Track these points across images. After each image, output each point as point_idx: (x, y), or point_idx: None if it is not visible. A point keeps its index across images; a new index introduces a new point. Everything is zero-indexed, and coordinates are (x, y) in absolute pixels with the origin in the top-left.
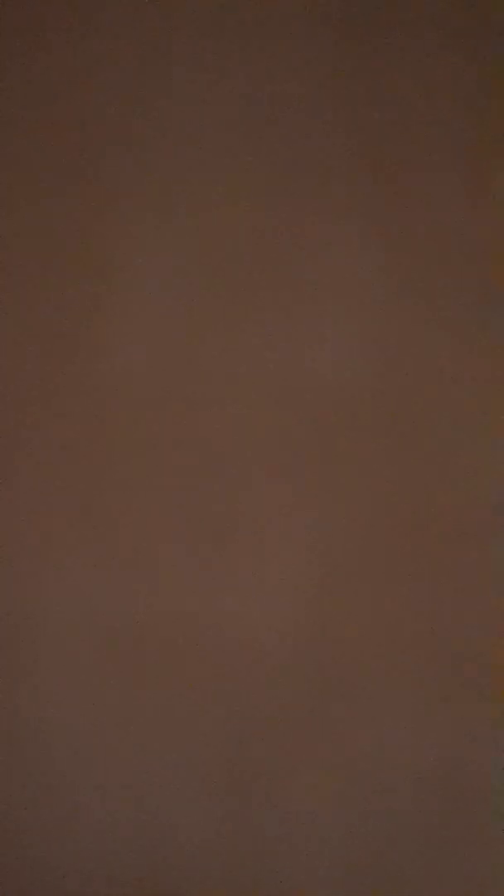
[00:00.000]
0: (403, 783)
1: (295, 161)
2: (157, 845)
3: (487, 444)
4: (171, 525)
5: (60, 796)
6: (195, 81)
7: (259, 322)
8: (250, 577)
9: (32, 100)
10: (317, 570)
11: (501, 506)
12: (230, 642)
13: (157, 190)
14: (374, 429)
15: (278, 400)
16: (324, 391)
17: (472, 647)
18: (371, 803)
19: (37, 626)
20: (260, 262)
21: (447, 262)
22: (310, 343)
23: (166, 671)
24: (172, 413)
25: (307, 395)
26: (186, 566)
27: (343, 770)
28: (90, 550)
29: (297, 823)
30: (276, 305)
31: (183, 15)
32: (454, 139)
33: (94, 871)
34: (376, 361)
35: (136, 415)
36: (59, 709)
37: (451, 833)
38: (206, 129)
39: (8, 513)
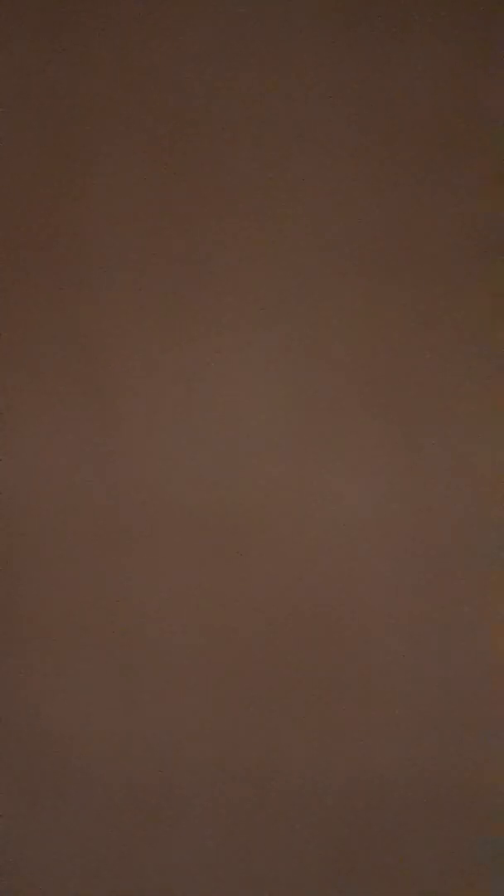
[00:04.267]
0: (401, 780)
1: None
2: (158, 838)
3: None
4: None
5: (59, 794)
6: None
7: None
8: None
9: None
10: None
11: None
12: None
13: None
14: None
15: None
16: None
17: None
18: (370, 800)
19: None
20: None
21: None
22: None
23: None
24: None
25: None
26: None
27: (342, 774)
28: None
29: (292, 823)
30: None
31: (185, 18)
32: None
33: (92, 868)
34: (405, 498)
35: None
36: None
37: (451, 833)
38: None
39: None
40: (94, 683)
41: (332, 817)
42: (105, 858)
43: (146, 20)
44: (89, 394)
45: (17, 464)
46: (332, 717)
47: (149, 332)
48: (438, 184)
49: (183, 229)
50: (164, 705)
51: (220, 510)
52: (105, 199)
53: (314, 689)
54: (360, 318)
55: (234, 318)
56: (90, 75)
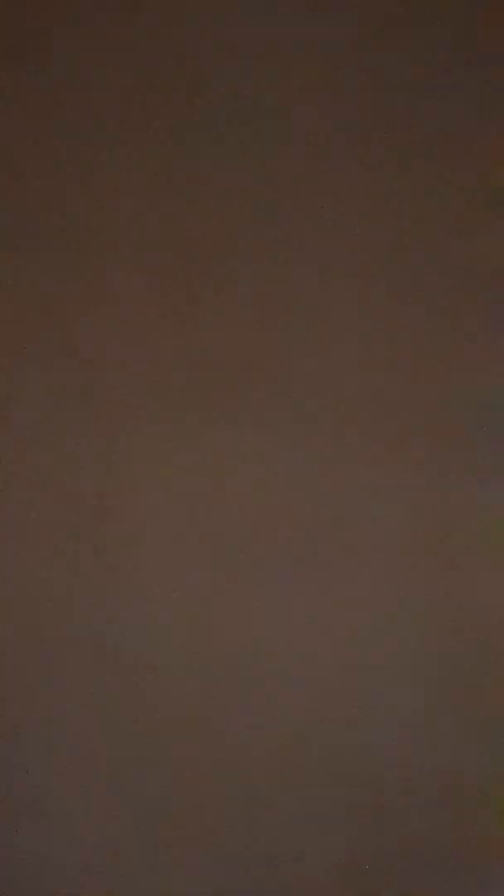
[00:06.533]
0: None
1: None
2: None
3: None
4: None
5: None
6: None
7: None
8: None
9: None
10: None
11: None
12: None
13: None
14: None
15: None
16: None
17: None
18: (369, 804)
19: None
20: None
21: None
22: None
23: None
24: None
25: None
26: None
27: (343, 776)
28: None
29: (297, 824)
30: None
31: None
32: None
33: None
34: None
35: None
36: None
37: (448, 834)
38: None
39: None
40: (90, 698)
41: (332, 826)
42: (101, 863)
43: (145, 18)
44: (87, 419)
45: (13, 469)
46: (331, 735)
47: (149, 347)
48: (441, 196)
49: (183, 243)
50: (160, 721)
51: (216, 538)
52: (105, 213)
53: (311, 713)
54: (367, 347)
55: (234, 337)
56: (90, 80)
